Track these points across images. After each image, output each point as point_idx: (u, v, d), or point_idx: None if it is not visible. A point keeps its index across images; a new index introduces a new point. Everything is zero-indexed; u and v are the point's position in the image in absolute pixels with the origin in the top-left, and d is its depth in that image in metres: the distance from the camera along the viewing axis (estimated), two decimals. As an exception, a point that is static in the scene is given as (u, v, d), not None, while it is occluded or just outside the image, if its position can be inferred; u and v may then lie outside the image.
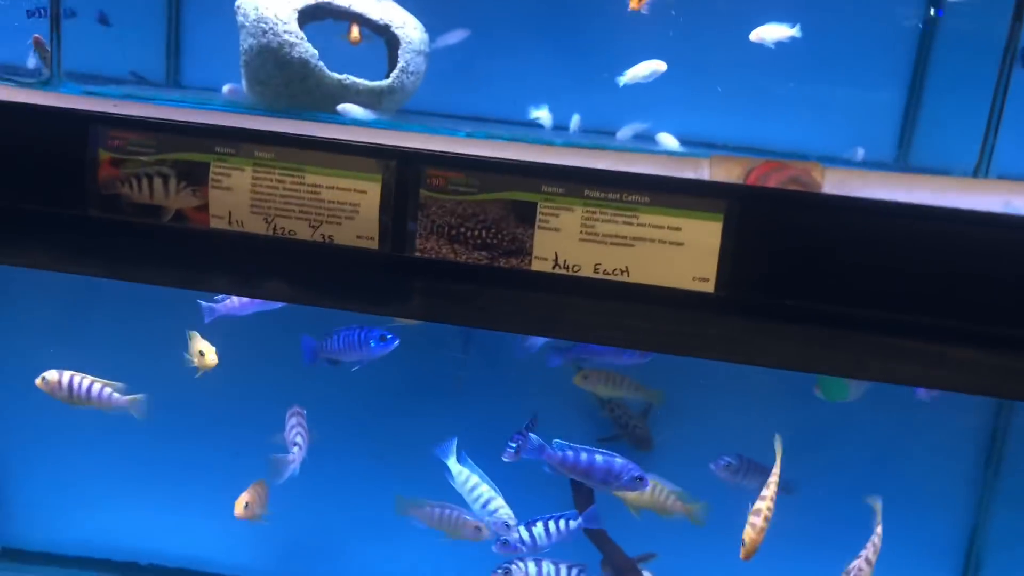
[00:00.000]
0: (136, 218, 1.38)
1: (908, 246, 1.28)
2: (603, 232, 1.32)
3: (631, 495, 2.20)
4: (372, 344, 2.31)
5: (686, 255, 1.30)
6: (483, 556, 2.39)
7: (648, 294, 1.31)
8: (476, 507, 2.26)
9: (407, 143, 1.38)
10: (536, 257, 1.34)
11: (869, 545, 2.15)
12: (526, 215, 1.33)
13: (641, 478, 2.10)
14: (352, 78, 2.40)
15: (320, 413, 2.50)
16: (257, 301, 2.35)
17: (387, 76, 2.47)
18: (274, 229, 1.36)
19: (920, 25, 2.69)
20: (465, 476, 2.29)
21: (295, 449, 2.40)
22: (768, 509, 1.99)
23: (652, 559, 2.37)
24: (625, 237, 1.31)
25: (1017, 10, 2.11)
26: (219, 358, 2.46)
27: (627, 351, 2.35)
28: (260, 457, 2.52)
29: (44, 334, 2.85)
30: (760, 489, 2.02)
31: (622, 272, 1.32)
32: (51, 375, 2.45)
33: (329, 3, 2.46)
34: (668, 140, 2.63)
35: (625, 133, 2.60)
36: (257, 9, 2.34)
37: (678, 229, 1.30)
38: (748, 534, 1.98)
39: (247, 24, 2.36)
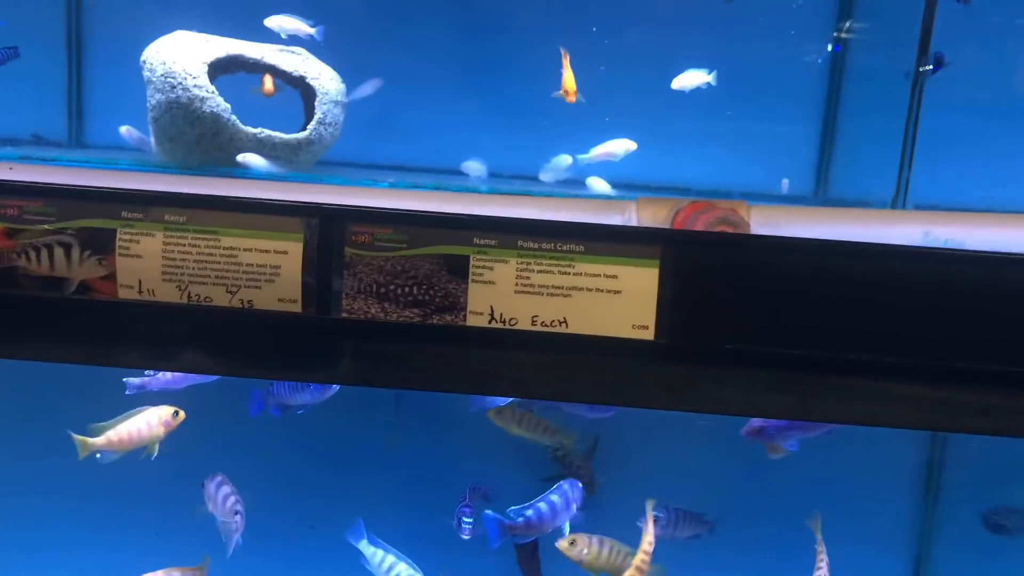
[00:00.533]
0: (36, 292, 1.28)
1: (843, 283, 1.27)
2: (539, 283, 1.27)
3: (588, 558, 2.15)
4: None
5: (624, 303, 1.26)
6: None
7: (588, 344, 1.27)
8: None
9: (328, 197, 1.32)
10: (471, 312, 1.28)
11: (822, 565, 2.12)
12: (458, 269, 1.27)
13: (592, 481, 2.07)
14: (267, 131, 2.34)
15: (249, 482, 2.37)
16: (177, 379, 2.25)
17: (304, 128, 2.41)
18: (189, 297, 1.28)
19: (829, 59, 2.76)
20: (380, 557, 2.27)
21: (237, 517, 2.28)
22: None
23: None
24: (562, 287, 1.27)
25: (923, 42, 2.18)
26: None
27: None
28: (185, 532, 2.38)
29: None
30: (687, 535, 2.01)
31: (560, 323, 1.28)
32: None
33: (240, 55, 2.40)
34: (599, 184, 2.64)
35: (548, 176, 2.59)
36: (164, 63, 2.26)
37: (615, 277, 1.26)
38: None
39: (154, 79, 2.27)
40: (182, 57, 2.27)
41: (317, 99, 2.40)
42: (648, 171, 2.76)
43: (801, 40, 2.78)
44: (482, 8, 2.86)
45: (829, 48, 2.74)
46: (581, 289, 1.27)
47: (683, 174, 2.87)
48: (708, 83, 2.58)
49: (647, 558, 2.03)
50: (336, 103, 2.43)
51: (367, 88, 2.65)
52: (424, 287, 1.28)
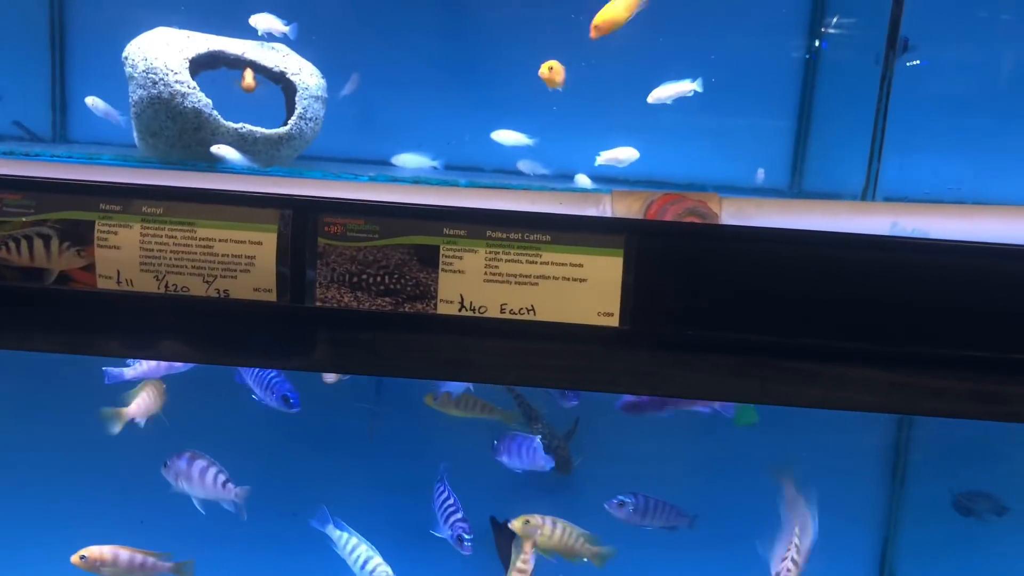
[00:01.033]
0: (16, 282, 1.31)
1: (803, 272, 1.32)
2: (507, 272, 1.31)
3: (541, 538, 2.20)
4: (274, 398, 2.27)
5: (590, 291, 1.30)
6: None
7: (555, 331, 1.31)
8: (356, 566, 2.32)
9: (304, 191, 1.35)
10: (441, 300, 1.32)
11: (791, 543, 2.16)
12: (429, 258, 1.31)
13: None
14: (248, 126, 2.37)
15: (231, 470, 2.41)
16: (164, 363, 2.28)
17: (285, 123, 2.44)
18: (166, 287, 1.31)
19: (803, 54, 2.81)
20: (344, 539, 2.34)
21: (234, 489, 2.33)
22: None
23: None
24: (529, 276, 1.31)
25: (891, 38, 2.22)
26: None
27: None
28: (167, 521, 2.42)
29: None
30: (660, 524, 2.05)
31: (528, 311, 1.32)
32: (92, 552, 2.33)
33: (222, 51, 2.43)
34: (583, 180, 2.72)
35: (525, 166, 2.64)
36: (146, 59, 2.29)
37: (580, 266, 1.30)
38: None
39: (136, 75, 2.30)
40: (164, 53, 2.29)
41: (298, 94, 2.43)
42: (630, 166, 2.81)
43: (777, 35, 2.83)
44: (464, 3, 2.89)
45: (816, 43, 2.79)
46: (548, 278, 1.31)
47: (663, 168, 2.92)
48: (695, 91, 2.63)
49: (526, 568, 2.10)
50: (316, 98, 2.46)
51: (350, 85, 2.69)
52: (395, 276, 1.31)
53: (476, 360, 1.35)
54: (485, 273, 1.31)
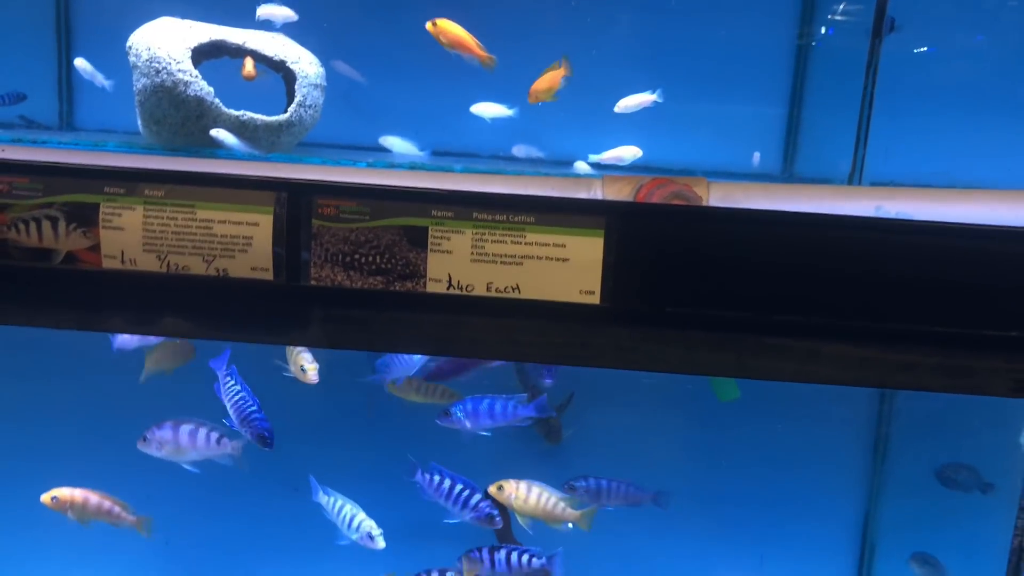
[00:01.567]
0: (26, 262, 1.37)
1: (777, 251, 1.37)
2: (493, 252, 1.37)
3: (518, 504, 2.26)
4: (250, 433, 2.35)
5: (572, 270, 1.36)
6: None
7: (539, 309, 1.37)
8: (344, 525, 2.44)
9: (303, 175, 1.41)
10: (430, 279, 1.38)
11: None
12: (418, 239, 1.37)
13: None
14: (249, 114, 2.42)
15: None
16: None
17: (285, 111, 2.50)
18: (168, 266, 1.37)
19: (796, 42, 2.85)
20: (331, 502, 2.47)
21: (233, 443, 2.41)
22: None
23: None
24: (514, 256, 1.36)
25: (876, 27, 2.27)
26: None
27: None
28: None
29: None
30: (621, 503, 2.10)
31: (513, 289, 1.37)
32: (62, 493, 2.42)
33: (223, 40, 2.48)
34: (583, 166, 2.79)
35: (520, 151, 2.70)
36: (149, 49, 2.35)
37: (563, 246, 1.36)
38: None
39: (140, 64, 2.36)
40: (167, 43, 2.35)
41: (297, 82, 2.48)
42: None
43: (769, 22, 2.87)
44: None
45: (801, 31, 2.83)
46: (532, 257, 1.36)
47: (661, 155, 2.97)
48: (655, 101, 2.71)
49: None
50: (315, 86, 2.52)
51: (349, 72, 2.75)
52: (386, 256, 1.37)
53: (464, 336, 1.41)
54: (472, 253, 1.37)
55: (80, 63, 2.64)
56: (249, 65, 2.45)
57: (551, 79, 2.60)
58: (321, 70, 2.56)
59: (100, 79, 2.60)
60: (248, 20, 2.55)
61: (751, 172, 2.91)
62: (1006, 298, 1.36)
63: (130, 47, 2.39)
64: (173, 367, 2.52)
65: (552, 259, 1.36)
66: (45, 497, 2.43)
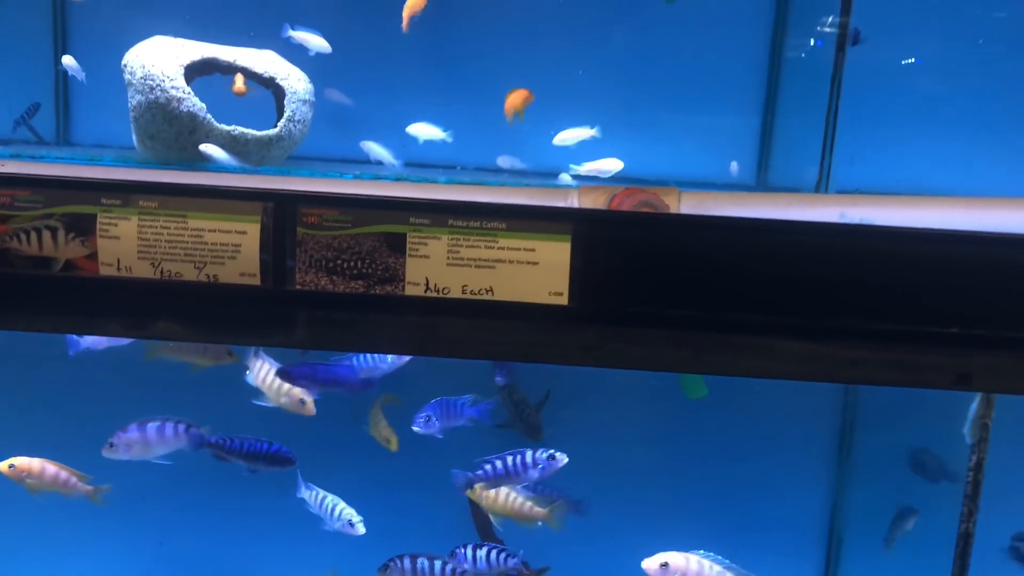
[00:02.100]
0: (27, 270, 1.46)
1: (730, 253, 1.46)
2: (467, 256, 1.45)
3: (488, 503, 2.35)
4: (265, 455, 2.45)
5: (541, 273, 1.45)
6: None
7: (511, 310, 1.45)
8: (328, 515, 2.54)
9: (288, 186, 1.50)
10: (409, 283, 1.47)
11: None
12: (397, 245, 1.46)
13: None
14: (240, 128, 2.52)
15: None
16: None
17: (275, 126, 2.59)
18: (161, 272, 1.46)
19: (768, 56, 2.96)
20: (314, 496, 2.57)
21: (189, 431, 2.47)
22: None
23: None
24: (487, 260, 1.45)
25: (840, 41, 2.37)
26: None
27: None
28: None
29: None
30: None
31: (487, 291, 1.46)
32: (20, 461, 2.48)
33: (215, 58, 2.58)
34: (566, 178, 2.89)
35: (504, 162, 2.81)
36: (144, 67, 2.44)
37: (533, 250, 1.45)
38: None
39: (134, 81, 2.45)
40: (160, 60, 2.44)
41: (286, 98, 2.57)
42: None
43: (743, 37, 2.97)
44: (448, 12, 3.04)
45: (811, 42, 2.91)
46: (504, 261, 1.45)
47: (643, 166, 3.07)
48: (593, 136, 2.84)
49: None
50: (304, 102, 2.61)
51: (341, 98, 2.86)
52: (367, 261, 1.46)
53: (440, 336, 1.49)
54: (448, 258, 1.46)
55: (67, 60, 2.74)
56: (240, 82, 2.54)
57: (520, 97, 2.71)
58: (310, 86, 2.65)
59: (82, 74, 2.71)
60: (239, 38, 2.64)
61: (727, 182, 3.01)
62: (948, 297, 1.46)
63: (125, 65, 2.48)
64: (207, 364, 2.58)
65: (523, 263, 1.45)
66: (2, 465, 2.47)
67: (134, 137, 2.54)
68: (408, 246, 1.46)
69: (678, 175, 3.08)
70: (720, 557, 2.00)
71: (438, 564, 2.29)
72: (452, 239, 1.45)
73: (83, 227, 1.45)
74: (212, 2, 2.87)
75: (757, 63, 2.96)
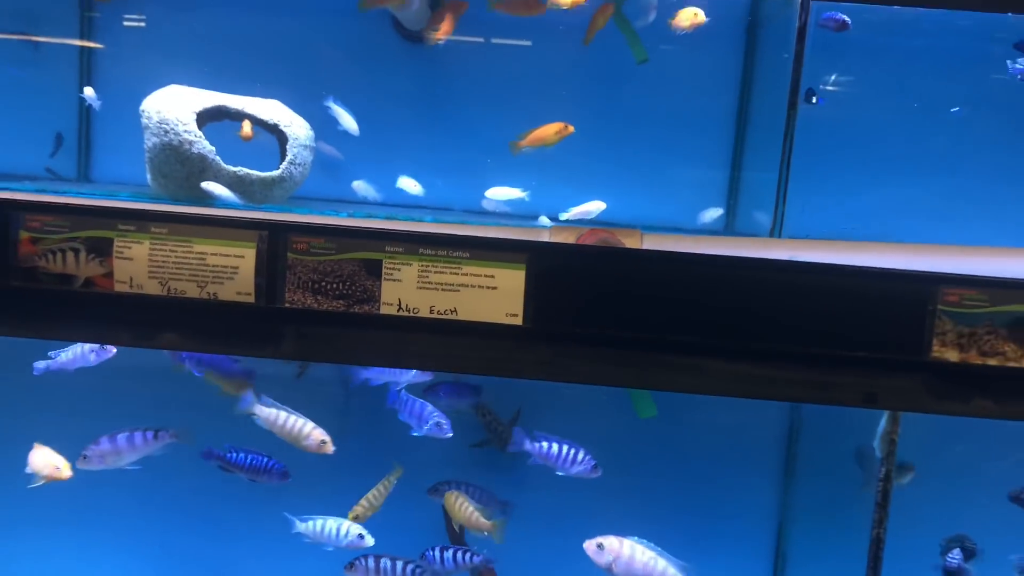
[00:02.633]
0: (52, 286, 1.67)
1: (667, 284, 1.66)
2: (435, 281, 1.66)
3: (449, 509, 2.54)
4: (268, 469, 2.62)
5: (500, 297, 1.66)
6: None
7: (472, 328, 1.66)
8: (332, 537, 2.59)
9: (284, 219, 1.72)
10: (384, 303, 1.67)
11: None
12: (374, 270, 1.67)
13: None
14: (246, 169, 2.75)
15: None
16: (82, 358, 2.57)
17: (277, 168, 2.83)
18: (168, 290, 1.67)
19: (735, 113, 3.20)
20: (309, 526, 2.63)
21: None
22: None
23: None
24: (452, 284, 1.66)
25: (791, 99, 2.60)
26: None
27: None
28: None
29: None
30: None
31: (451, 312, 1.67)
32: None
33: (225, 106, 2.82)
34: (545, 221, 3.11)
35: (489, 204, 3.04)
36: (160, 112, 2.68)
37: (492, 276, 1.66)
38: None
39: (151, 125, 2.69)
40: (175, 107, 2.69)
41: (289, 143, 2.81)
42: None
43: (711, 96, 3.21)
44: (440, 66, 3.30)
45: (814, 100, 3.13)
46: (467, 286, 1.66)
47: (627, 213, 3.30)
48: (521, 198, 3.07)
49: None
50: (305, 146, 2.85)
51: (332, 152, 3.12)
52: (348, 284, 1.67)
53: (411, 350, 1.70)
54: (418, 282, 1.67)
55: (88, 91, 3.01)
56: (247, 127, 2.78)
57: (551, 130, 2.94)
58: (311, 132, 2.89)
59: (96, 102, 2.98)
60: (247, 87, 2.89)
61: (698, 228, 3.23)
62: (857, 325, 1.65)
63: (143, 111, 2.72)
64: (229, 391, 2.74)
65: (483, 287, 1.66)
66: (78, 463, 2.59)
67: (148, 176, 2.77)
68: (384, 271, 1.67)
69: (655, 221, 3.29)
70: (652, 544, 2.17)
71: (400, 564, 2.46)
72: (422, 266, 1.67)
73: (101, 249, 1.67)
74: (224, 55, 3.14)
75: (726, 119, 3.20)
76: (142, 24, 3.23)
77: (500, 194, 3.05)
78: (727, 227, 3.20)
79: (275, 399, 2.56)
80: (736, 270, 1.65)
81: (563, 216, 3.16)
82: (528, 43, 3.28)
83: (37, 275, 1.67)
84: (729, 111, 3.21)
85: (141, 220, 1.66)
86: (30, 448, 2.63)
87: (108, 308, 1.69)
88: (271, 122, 2.83)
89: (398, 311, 1.67)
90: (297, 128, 2.85)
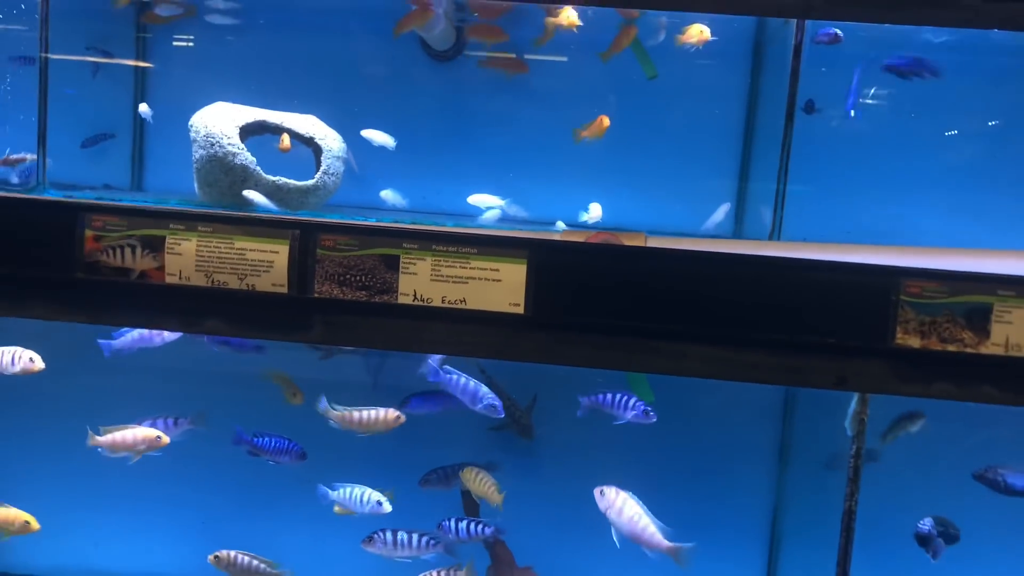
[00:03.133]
0: (111, 278, 1.91)
1: (654, 277, 1.85)
2: (447, 274, 1.87)
3: (468, 483, 2.73)
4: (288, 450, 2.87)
5: (504, 288, 1.85)
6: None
7: (480, 317, 1.86)
8: (356, 504, 2.82)
9: (313, 220, 1.94)
10: (401, 294, 1.88)
11: None
12: (392, 264, 1.88)
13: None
14: (284, 179, 2.98)
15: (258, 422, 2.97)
16: (146, 337, 2.81)
17: (313, 177, 3.06)
18: (212, 282, 1.90)
19: (743, 122, 3.36)
20: (341, 494, 2.86)
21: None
22: None
23: None
24: (462, 277, 1.86)
25: (789, 111, 2.77)
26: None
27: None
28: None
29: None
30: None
31: (461, 302, 1.87)
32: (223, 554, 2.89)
33: (265, 121, 3.07)
34: (561, 225, 3.29)
35: (509, 210, 3.23)
36: (207, 127, 2.93)
37: (497, 270, 1.86)
38: None
39: (198, 139, 2.94)
40: (220, 122, 2.93)
41: (323, 155, 3.05)
42: (611, 215, 3.36)
43: (720, 106, 3.38)
44: (462, 82, 3.52)
45: (852, 113, 3.26)
46: (475, 278, 1.86)
47: (636, 218, 3.46)
48: (501, 206, 3.24)
49: None
50: (338, 158, 3.08)
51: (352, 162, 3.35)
52: (369, 276, 1.88)
53: (424, 336, 1.90)
54: (431, 275, 1.88)
55: (143, 107, 3.30)
56: (285, 140, 3.02)
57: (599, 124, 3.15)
58: (343, 145, 3.12)
59: (149, 116, 3.31)
60: (286, 104, 3.14)
61: (708, 233, 3.39)
62: (828, 314, 1.82)
63: (191, 125, 2.98)
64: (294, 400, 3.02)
65: (489, 280, 1.86)
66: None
67: (195, 185, 3.02)
68: (401, 265, 1.88)
69: (665, 226, 3.46)
70: (645, 507, 2.37)
71: (415, 536, 2.66)
72: (435, 260, 1.87)
73: (155, 245, 1.90)
74: (266, 74, 3.39)
75: (735, 129, 3.37)
76: (191, 44, 3.51)
77: (481, 201, 3.25)
78: (736, 231, 3.36)
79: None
80: (715, 266, 1.83)
81: (583, 217, 3.31)
82: (548, 58, 3.49)
83: (99, 268, 1.91)
84: (738, 123, 3.38)
85: (189, 220, 1.90)
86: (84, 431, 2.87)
87: (160, 297, 1.92)
88: (307, 135, 3.06)
89: (413, 301, 1.88)
90: (331, 141, 3.08)
